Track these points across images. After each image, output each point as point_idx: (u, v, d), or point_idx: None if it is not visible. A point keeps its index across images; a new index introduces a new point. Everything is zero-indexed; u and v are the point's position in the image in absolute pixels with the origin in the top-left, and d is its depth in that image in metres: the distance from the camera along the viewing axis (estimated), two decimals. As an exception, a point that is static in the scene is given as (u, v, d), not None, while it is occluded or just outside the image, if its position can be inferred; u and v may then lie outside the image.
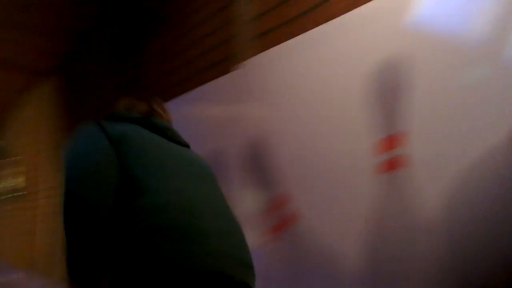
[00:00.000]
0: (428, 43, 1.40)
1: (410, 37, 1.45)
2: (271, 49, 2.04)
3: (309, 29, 1.83)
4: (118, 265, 1.08)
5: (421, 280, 1.39)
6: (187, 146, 1.46)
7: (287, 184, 1.93)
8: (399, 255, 1.45)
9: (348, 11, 1.67)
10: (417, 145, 1.42)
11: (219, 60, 2.45)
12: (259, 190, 2.09)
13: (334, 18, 1.72)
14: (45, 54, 4.74)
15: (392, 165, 1.49)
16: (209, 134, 2.44)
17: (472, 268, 1.27)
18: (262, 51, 2.09)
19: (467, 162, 1.28)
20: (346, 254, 1.64)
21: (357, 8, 1.64)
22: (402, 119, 1.46)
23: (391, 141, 1.50)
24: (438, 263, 1.35)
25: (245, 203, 2.18)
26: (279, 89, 1.98)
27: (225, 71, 2.35)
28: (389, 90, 1.51)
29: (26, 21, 4.02)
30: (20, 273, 5.50)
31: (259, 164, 2.09)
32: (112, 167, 1.12)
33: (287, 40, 1.95)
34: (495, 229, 1.21)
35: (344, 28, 1.68)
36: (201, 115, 2.55)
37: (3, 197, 6.50)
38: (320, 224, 1.76)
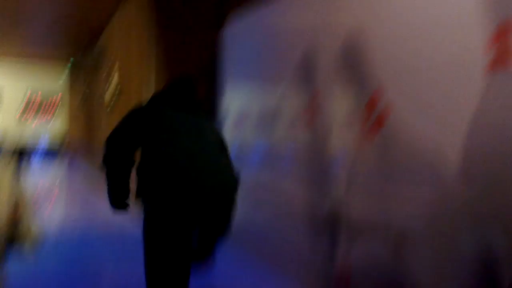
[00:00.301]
0: None
1: None
2: None
3: None
4: (146, 189, 1.96)
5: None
6: (206, 116, 2.17)
7: (382, 82, 1.89)
8: (502, 152, 1.37)
9: None
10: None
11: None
12: (354, 88, 2.07)
13: None
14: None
15: (502, 57, 1.39)
16: (305, 34, 2.40)
17: None
18: None
19: None
20: (442, 153, 1.59)
21: None
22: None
23: (502, 31, 1.38)
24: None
25: (339, 102, 2.18)
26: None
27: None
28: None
29: None
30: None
31: (355, 63, 2.05)
32: (134, 131, 2.01)
33: None
34: None
35: None
36: (295, 15, 2.48)
37: (112, 102, 6.91)
38: (415, 122, 1.73)
